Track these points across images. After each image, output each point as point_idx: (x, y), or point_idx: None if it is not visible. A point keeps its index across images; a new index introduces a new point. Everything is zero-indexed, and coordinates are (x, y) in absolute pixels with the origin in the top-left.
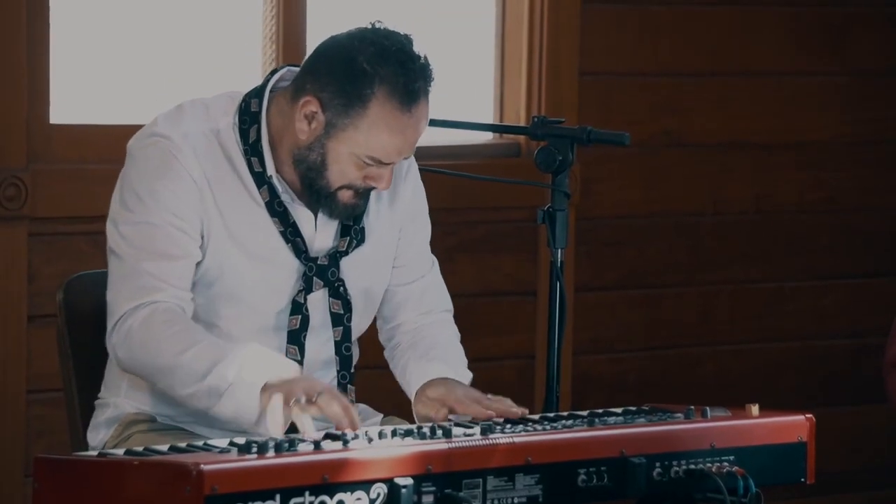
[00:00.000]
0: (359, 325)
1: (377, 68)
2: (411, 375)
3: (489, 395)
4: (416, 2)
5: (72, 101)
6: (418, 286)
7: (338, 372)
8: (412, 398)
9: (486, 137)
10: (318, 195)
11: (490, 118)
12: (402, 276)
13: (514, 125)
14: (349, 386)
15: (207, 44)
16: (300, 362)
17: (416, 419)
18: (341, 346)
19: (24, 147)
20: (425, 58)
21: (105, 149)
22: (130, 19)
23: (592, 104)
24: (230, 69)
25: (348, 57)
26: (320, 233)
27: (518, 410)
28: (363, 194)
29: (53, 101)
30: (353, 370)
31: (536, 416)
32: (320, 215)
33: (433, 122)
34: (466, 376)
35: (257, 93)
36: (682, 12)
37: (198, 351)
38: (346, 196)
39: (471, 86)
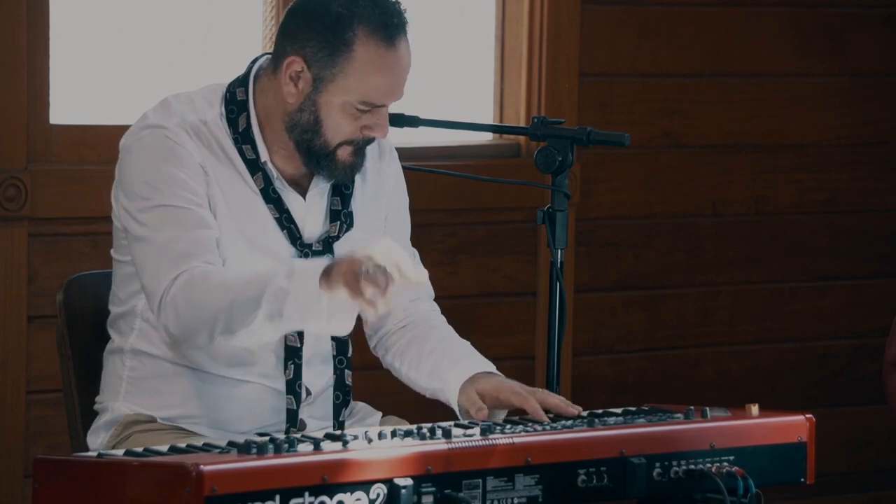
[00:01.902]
0: None
1: (353, 9)
2: (444, 369)
3: (539, 390)
4: (416, 2)
5: (71, 102)
6: None
7: (334, 357)
8: (447, 390)
9: (486, 138)
10: (317, 157)
11: (490, 118)
12: None
13: (513, 126)
14: (346, 371)
15: (207, 44)
16: (300, 349)
17: (459, 411)
18: None
19: (24, 147)
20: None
21: (105, 149)
22: (130, 19)
23: (592, 104)
24: (230, 70)
25: (321, 7)
26: (310, 218)
27: (574, 410)
28: (361, 150)
29: (53, 102)
30: (349, 354)
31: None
32: (309, 201)
33: (433, 123)
34: (493, 366)
35: (241, 81)
36: (682, 13)
37: (245, 284)
38: (344, 154)
39: (471, 86)
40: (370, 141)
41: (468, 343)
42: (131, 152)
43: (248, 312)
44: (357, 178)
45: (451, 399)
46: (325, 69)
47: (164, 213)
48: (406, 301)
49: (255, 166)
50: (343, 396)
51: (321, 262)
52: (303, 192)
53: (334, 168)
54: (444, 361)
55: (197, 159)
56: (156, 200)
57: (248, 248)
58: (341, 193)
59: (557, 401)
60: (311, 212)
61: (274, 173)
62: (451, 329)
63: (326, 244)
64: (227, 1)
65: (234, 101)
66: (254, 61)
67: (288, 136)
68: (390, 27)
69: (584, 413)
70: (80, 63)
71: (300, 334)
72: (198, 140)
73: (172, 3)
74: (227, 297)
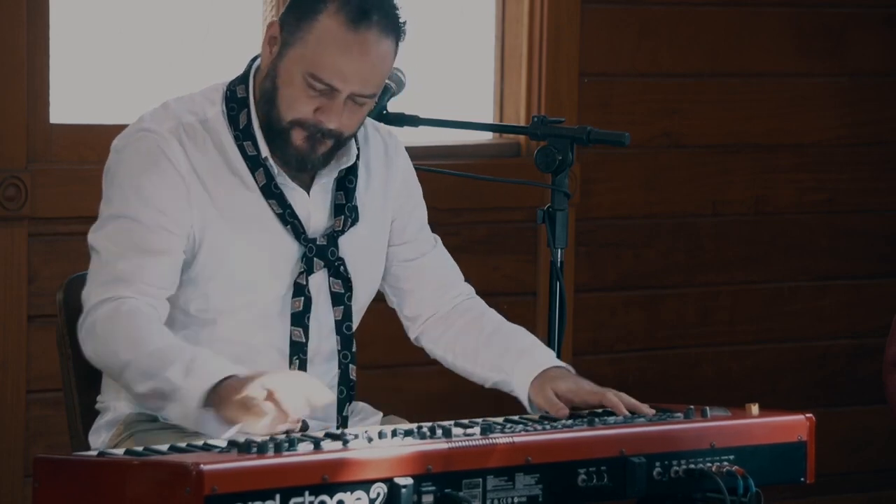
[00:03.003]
0: (357, 307)
1: None
2: (508, 362)
3: (610, 390)
4: (417, 2)
5: (71, 102)
6: (430, 260)
7: (339, 352)
8: (514, 383)
9: (486, 137)
10: (273, 133)
11: (490, 118)
12: (411, 251)
13: (514, 125)
14: (350, 366)
15: (207, 44)
16: (305, 345)
17: (528, 405)
18: (342, 325)
19: (24, 147)
20: (396, 5)
21: (105, 149)
22: (130, 19)
23: (592, 104)
24: (230, 70)
25: None
26: (314, 213)
27: (647, 409)
28: (314, 138)
29: (53, 101)
30: (354, 350)
31: (536, 416)
32: (313, 195)
33: (434, 122)
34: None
35: (241, 79)
36: (682, 12)
37: (153, 351)
38: (298, 138)
39: (471, 85)
40: (324, 131)
41: (523, 329)
42: (120, 155)
43: (143, 381)
44: (362, 172)
45: (518, 391)
46: (290, 34)
47: (123, 227)
48: (435, 287)
49: (256, 162)
50: (347, 392)
51: (217, 373)
52: (307, 187)
53: (287, 150)
54: (508, 354)
55: (183, 170)
56: (122, 210)
57: (248, 247)
58: (345, 188)
59: (632, 400)
60: (315, 206)
61: (275, 169)
62: (497, 314)
63: (331, 238)
64: (227, 1)
65: (235, 99)
66: (253, 59)
67: (258, 112)
68: (362, 11)
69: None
70: (80, 63)
71: (305, 330)
72: (191, 143)
73: (172, 3)
74: (132, 356)
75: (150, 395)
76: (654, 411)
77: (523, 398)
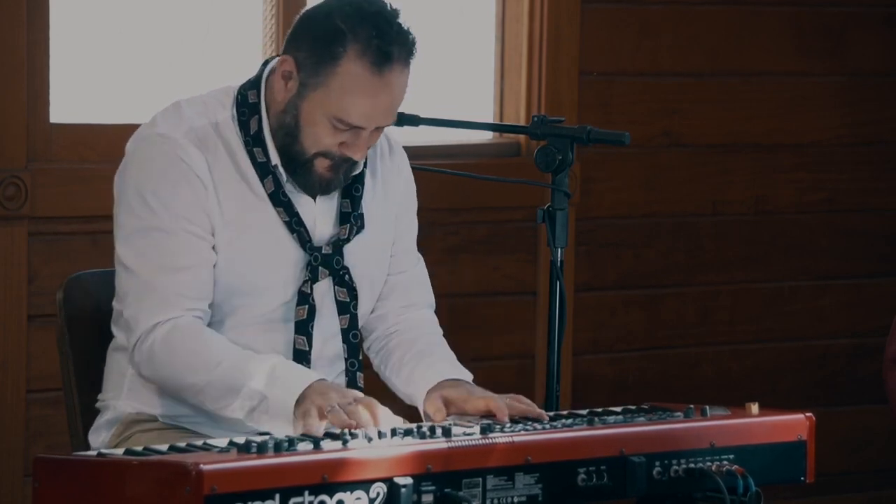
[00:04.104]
0: (363, 313)
1: (352, 27)
2: (418, 374)
3: (510, 396)
4: (417, 2)
5: (72, 101)
6: (404, 278)
7: (346, 360)
8: (417, 395)
9: (486, 137)
10: (294, 163)
11: (490, 117)
12: (392, 265)
13: (513, 125)
14: (358, 373)
15: (207, 43)
16: (308, 352)
17: (423, 416)
18: (349, 333)
19: (24, 147)
20: (407, 28)
21: (105, 148)
22: (130, 19)
23: (592, 104)
24: (230, 69)
25: (324, 16)
26: (320, 221)
27: (540, 411)
28: (339, 166)
29: (53, 101)
30: (360, 357)
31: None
32: (319, 203)
33: (434, 122)
34: (469, 376)
35: (253, 84)
36: (682, 12)
37: (226, 367)
38: (322, 166)
39: (471, 85)
40: (348, 160)
41: (451, 353)
42: (135, 161)
43: (223, 399)
44: (367, 178)
45: (418, 402)
46: (310, 77)
47: (156, 240)
48: (398, 307)
49: (265, 169)
50: None
51: (300, 381)
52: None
53: (310, 178)
54: (419, 368)
55: (201, 173)
56: (149, 222)
57: (254, 253)
58: (351, 196)
59: (525, 406)
60: (321, 214)
61: (284, 177)
62: (439, 337)
63: (336, 247)
64: (227, 1)
65: (246, 104)
66: (265, 63)
67: (275, 138)
68: (383, 55)
69: (551, 414)
70: (80, 62)
71: (309, 338)
72: (205, 148)
73: (172, 3)
74: (205, 377)
75: (232, 409)
76: (547, 416)
77: (422, 410)
